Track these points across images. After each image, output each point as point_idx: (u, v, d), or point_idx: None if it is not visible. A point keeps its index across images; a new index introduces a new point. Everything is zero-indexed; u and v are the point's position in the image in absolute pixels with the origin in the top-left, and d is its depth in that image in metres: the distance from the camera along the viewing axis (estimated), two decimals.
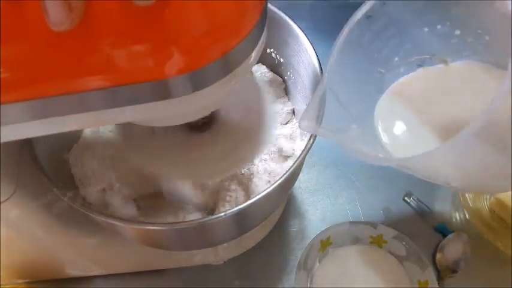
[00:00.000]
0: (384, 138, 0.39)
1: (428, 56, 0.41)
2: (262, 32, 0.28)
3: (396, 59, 0.41)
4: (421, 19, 0.39)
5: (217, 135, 0.42)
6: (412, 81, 0.42)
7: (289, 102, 0.47)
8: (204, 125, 0.42)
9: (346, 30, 0.37)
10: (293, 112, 0.46)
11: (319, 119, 0.36)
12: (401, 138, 0.39)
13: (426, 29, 0.39)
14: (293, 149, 0.43)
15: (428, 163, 0.32)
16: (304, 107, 0.44)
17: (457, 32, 0.39)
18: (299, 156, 0.35)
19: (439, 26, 0.39)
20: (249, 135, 0.43)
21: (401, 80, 0.42)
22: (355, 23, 0.37)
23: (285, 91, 0.48)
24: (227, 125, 0.43)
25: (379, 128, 0.40)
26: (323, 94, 0.36)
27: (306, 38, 0.41)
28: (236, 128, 0.43)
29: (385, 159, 0.36)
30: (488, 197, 0.54)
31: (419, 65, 0.42)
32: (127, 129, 0.43)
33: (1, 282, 0.50)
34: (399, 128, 0.40)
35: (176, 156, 0.41)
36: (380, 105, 0.41)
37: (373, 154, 0.35)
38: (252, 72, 0.47)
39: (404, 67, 0.42)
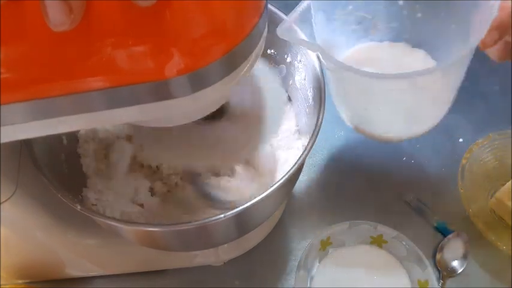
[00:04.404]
0: None
1: (367, 16, 0.48)
2: (263, 33, 0.28)
3: (351, 7, 0.47)
4: None
5: (229, 123, 0.44)
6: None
7: (290, 102, 0.47)
8: (214, 115, 0.43)
9: None
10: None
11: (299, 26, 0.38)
12: None
13: None
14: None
15: None
16: (305, 106, 0.45)
17: (401, 3, 0.48)
18: (299, 157, 0.35)
19: None
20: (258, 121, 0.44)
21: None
22: None
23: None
24: (237, 114, 0.44)
25: None
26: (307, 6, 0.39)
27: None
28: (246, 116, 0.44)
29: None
30: (488, 196, 0.54)
31: (359, 23, 0.49)
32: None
33: (1, 282, 0.50)
34: None
35: (191, 146, 0.43)
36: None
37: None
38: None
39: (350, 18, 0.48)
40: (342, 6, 0.46)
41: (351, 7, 0.47)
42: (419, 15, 0.48)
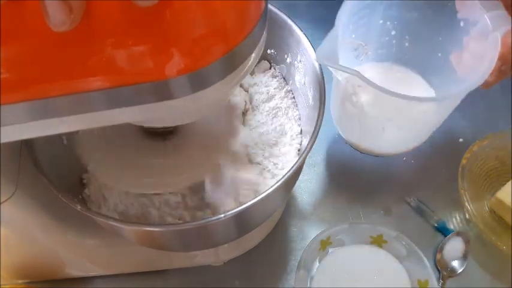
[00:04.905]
0: None
1: (363, 44, 0.54)
2: (263, 33, 0.28)
3: (353, 35, 0.52)
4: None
5: (182, 142, 0.40)
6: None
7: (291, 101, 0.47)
8: (166, 132, 0.40)
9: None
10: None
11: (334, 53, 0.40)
12: None
13: (381, 21, 0.53)
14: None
15: None
16: (305, 106, 0.45)
17: (393, 33, 0.55)
18: (300, 157, 0.35)
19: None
20: (216, 143, 0.41)
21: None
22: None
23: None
24: (192, 132, 0.41)
25: None
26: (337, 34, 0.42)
27: (306, 38, 0.41)
28: (203, 135, 0.41)
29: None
30: (488, 196, 0.54)
31: (355, 49, 0.54)
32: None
33: (1, 282, 0.50)
34: None
35: (139, 165, 0.40)
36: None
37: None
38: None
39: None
40: (349, 34, 0.51)
41: (353, 36, 0.52)
42: (406, 44, 0.55)
